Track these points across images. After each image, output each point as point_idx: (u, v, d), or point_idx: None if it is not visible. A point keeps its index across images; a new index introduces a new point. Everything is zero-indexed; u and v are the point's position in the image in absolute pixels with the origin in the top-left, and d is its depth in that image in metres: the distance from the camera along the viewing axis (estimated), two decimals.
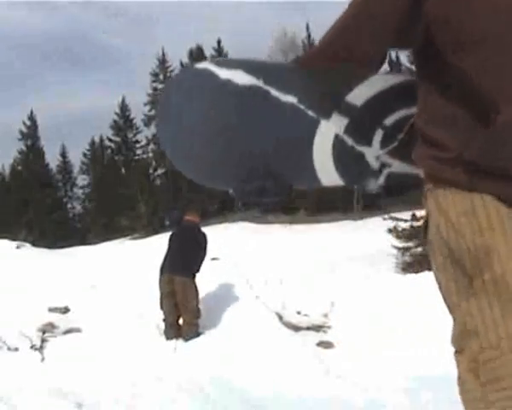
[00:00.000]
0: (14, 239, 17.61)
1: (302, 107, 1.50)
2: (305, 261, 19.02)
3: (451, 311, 1.31)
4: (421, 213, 19.32)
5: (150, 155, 46.05)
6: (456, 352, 1.26)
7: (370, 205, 33.57)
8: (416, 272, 9.03)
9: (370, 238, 23.09)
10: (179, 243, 7.01)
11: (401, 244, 19.00)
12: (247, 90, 1.54)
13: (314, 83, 1.48)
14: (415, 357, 6.21)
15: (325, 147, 1.50)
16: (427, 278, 8.44)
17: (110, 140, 48.02)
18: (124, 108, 47.07)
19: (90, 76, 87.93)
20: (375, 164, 1.53)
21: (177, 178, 41.03)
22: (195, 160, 1.62)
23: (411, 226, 19.04)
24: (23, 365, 5.95)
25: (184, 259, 6.78)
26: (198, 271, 6.85)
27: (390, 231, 19.25)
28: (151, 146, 45.79)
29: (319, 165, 1.52)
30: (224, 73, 1.56)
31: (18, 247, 15.81)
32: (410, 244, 19.03)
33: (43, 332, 6.86)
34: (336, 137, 1.49)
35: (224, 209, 37.89)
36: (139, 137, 46.96)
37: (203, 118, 1.60)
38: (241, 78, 1.54)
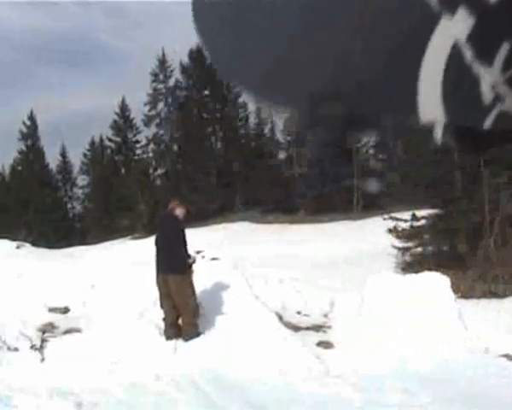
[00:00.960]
0: (14, 239, 17.63)
1: None
2: (305, 261, 19.05)
3: None
4: (420, 213, 19.33)
5: (150, 155, 46.09)
6: None
7: (370, 205, 33.60)
8: (416, 272, 9.02)
9: (370, 238, 23.15)
10: (159, 240, 6.99)
11: (401, 244, 19.06)
12: None
13: None
14: (415, 357, 6.22)
15: (438, 58, 1.11)
16: (427, 278, 8.47)
17: (110, 140, 48.05)
18: (124, 108, 47.07)
19: (90, 76, 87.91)
20: (488, 95, 1.15)
21: (177, 178, 41.08)
22: (259, 54, 1.14)
23: (411, 226, 19.10)
24: (23, 365, 5.95)
25: (167, 255, 6.70)
26: (187, 260, 6.75)
27: (390, 231, 19.31)
28: (151, 146, 45.85)
29: (425, 85, 1.15)
30: None
31: (18, 247, 15.82)
32: (410, 244, 19.09)
33: (43, 332, 6.86)
34: (455, 45, 1.09)
35: (224, 209, 37.90)
36: (139, 137, 47.03)
37: None
38: None
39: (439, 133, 1.27)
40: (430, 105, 1.03)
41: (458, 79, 1.02)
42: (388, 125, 1.10)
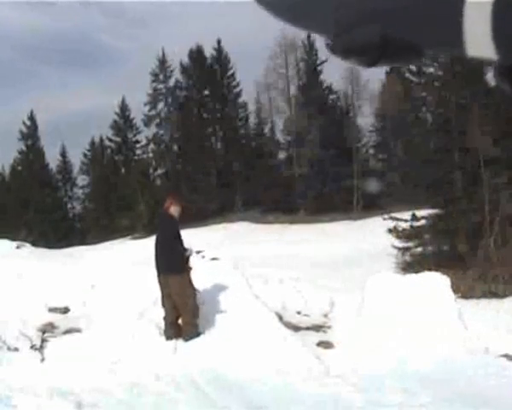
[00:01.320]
0: (14, 239, 17.62)
1: None
2: (305, 261, 19.06)
3: None
4: (420, 213, 19.35)
5: (150, 155, 46.07)
6: None
7: (370, 205, 33.61)
8: (416, 272, 9.02)
9: (370, 238, 23.17)
10: (158, 239, 7.01)
11: (401, 244, 19.08)
12: None
13: None
14: (415, 357, 6.21)
15: None
16: (427, 278, 8.48)
17: (110, 140, 48.01)
18: (124, 108, 47.03)
19: (89, 76, 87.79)
20: None
21: (177, 178, 41.10)
22: None
23: (411, 226, 19.12)
24: (23, 365, 5.95)
25: (167, 256, 6.72)
26: (183, 258, 6.79)
27: (390, 231, 19.33)
28: (151, 146, 45.82)
29: (471, 21, 0.94)
30: None
31: (18, 247, 15.81)
32: (410, 244, 19.12)
33: (43, 332, 6.86)
34: None
35: (224, 209, 37.90)
36: (139, 137, 46.99)
37: None
38: None
39: (492, 73, 1.04)
40: (478, 40, 0.89)
41: (510, 15, 0.86)
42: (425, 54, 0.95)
